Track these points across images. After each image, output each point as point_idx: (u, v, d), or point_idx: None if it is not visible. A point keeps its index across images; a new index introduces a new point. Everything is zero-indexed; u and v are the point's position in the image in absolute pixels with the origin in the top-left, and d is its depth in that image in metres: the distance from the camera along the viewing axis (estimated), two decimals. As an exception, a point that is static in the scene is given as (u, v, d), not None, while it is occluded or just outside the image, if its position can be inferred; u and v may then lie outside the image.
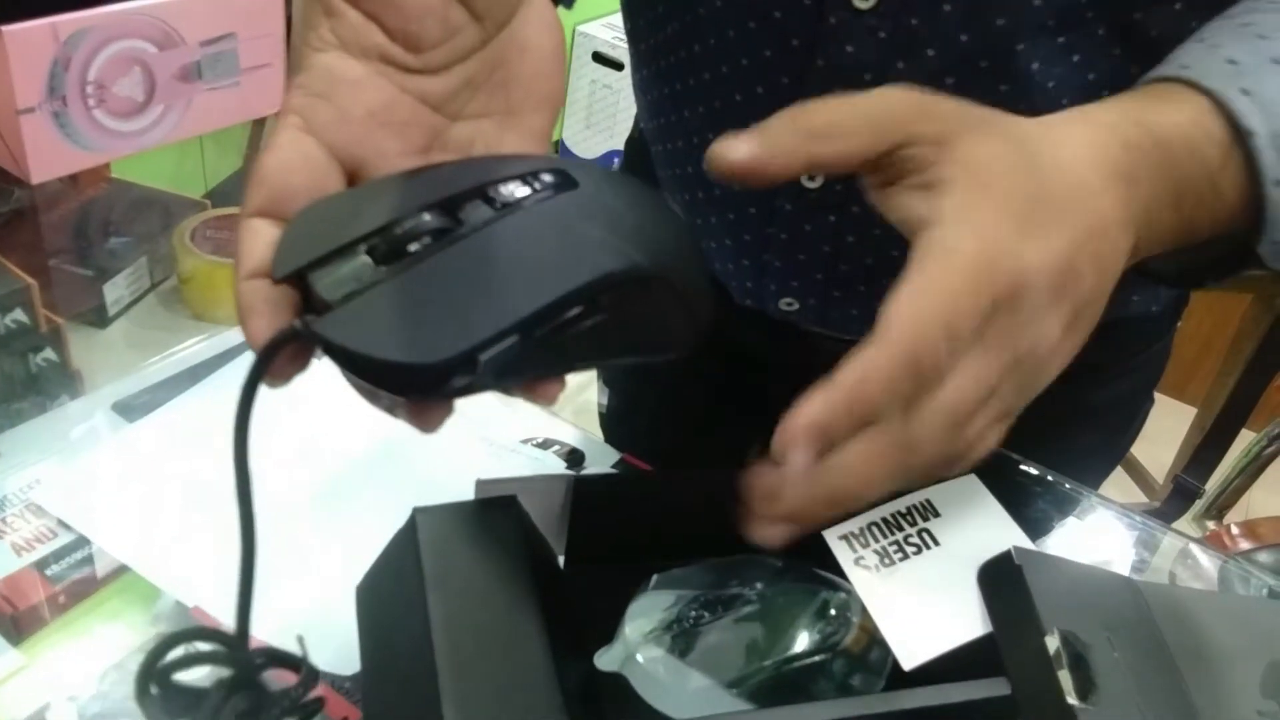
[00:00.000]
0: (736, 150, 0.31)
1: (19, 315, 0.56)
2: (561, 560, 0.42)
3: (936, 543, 0.40)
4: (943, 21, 0.43)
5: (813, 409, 0.30)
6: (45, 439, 0.55)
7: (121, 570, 0.48)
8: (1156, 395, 0.68)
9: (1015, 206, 0.31)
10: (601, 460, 0.60)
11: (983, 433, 0.33)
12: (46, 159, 0.61)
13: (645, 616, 0.39)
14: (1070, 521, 0.55)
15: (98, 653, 0.45)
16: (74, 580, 0.48)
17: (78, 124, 0.61)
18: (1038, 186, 0.32)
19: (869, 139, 0.31)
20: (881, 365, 0.29)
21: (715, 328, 0.61)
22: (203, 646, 0.36)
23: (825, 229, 0.52)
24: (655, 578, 0.41)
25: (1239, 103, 0.34)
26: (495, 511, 0.37)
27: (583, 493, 0.40)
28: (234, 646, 0.31)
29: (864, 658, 0.41)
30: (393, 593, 0.37)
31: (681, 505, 0.43)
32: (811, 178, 0.50)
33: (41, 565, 0.48)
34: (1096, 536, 0.55)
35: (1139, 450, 1.55)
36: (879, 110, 0.32)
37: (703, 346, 0.63)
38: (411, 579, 0.35)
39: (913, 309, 0.29)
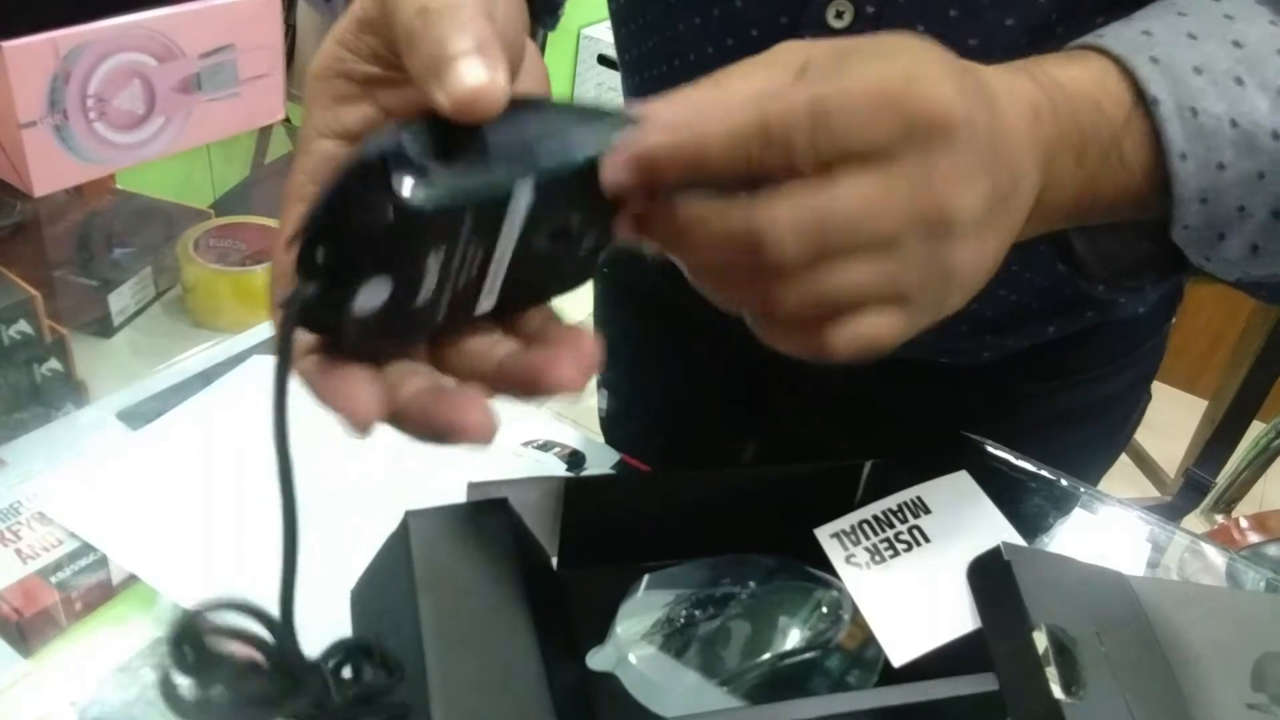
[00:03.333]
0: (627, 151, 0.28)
1: (23, 326, 0.57)
2: (554, 561, 0.42)
3: (927, 539, 0.40)
4: None
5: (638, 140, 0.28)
6: (51, 448, 0.56)
7: (129, 577, 0.49)
8: (1168, 389, 0.68)
9: (945, 64, 0.29)
10: (602, 462, 0.60)
11: (859, 300, 0.29)
12: (49, 172, 0.61)
13: (637, 616, 0.40)
14: (1071, 518, 0.55)
15: (104, 658, 0.45)
16: (81, 587, 0.48)
17: (79, 137, 0.62)
18: (962, 72, 0.30)
19: (769, 72, 0.29)
20: (728, 112, 0.27)
21: (710, 333, 0.61)
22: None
23: None
24: (647, 578, 0.41)
25: (1144, 69, 0.33)
26: (487, 514, 0.38)
27: (574, 494, 0.40)
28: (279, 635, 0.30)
29: (858, 655, 0.41)
30: (385, 596, 0.37)
31: (673, 505, 0.43)
32: None
33: (47, 573, 0.49)
34: (1098, 533, 0.55)
35: (1150, 444, 1.55)
36: (772, 54, 0.30)
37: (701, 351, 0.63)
38: (403, 582, 0.36)
39: (805, 83, 0.28)
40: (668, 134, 0.28)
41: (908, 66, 0.28)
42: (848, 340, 0.29)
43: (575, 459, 0.60)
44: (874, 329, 0.29)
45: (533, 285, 0.31)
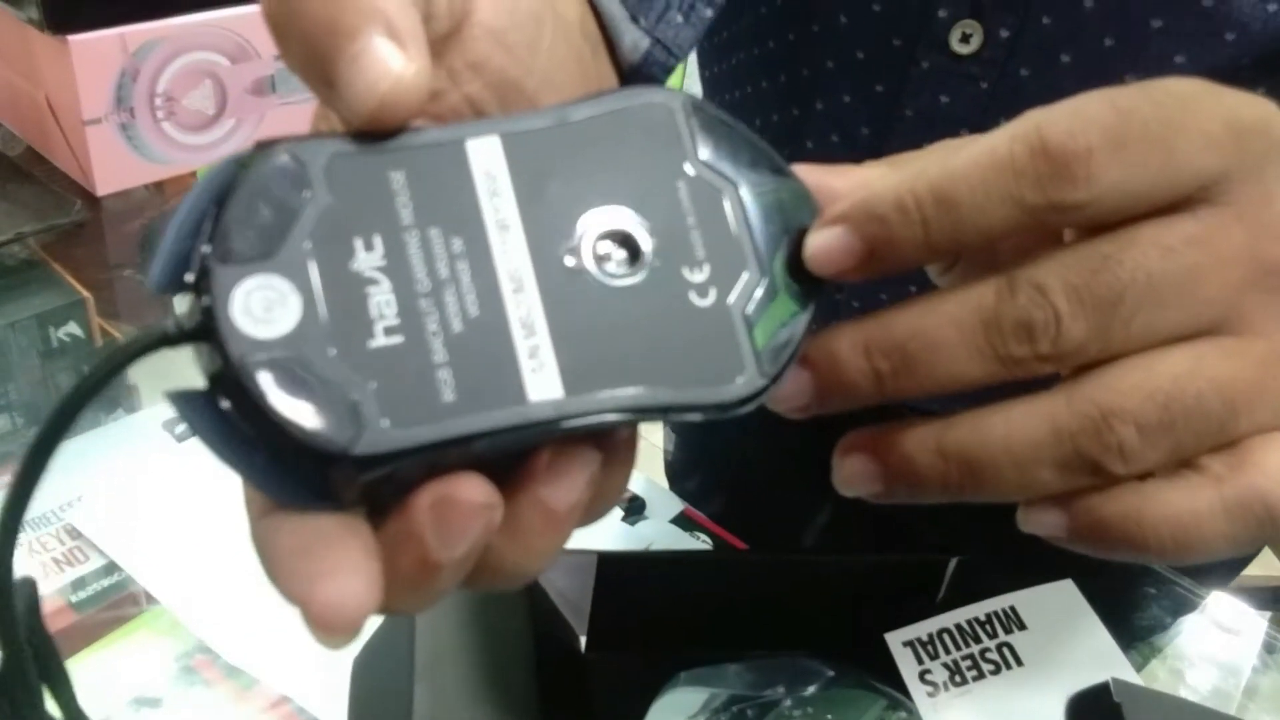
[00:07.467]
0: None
1: (73, 329, 0.55)
2: (583, 641, 0.38)
3: (1020, 662, 0.34)
4: (1061, 76, 0.38)
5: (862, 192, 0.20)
6: (92, 456, 0.54)
7: (153, 600, 0.47)
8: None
9: None
10: (664, 510, 0.56)
11: (1215, 417, 0.19)
12: (113, 171, 0.60)
13: (670, 719, 0.35)
14: (1181, 623, 0.47)
15: (117, 686, 0.43)
16: (101, 608, 0.46)
17: (145, 136, 0.61)
18: None
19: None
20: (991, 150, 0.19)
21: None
22: None
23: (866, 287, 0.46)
24: (684, 675, 0.36)
25: None
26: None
27: (608, 571, 0.36)
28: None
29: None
30: (383, 675, 0.33)
31: (722, 589, 0.38)
32: None
33: (68, 591, 0.47)
34: (1207, 636, 0.48)
35: None
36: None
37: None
38: (402, 664, 0.31)
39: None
40: (894, 172, 0.20)
41: (1199, 83, 0.20)
42: (1241, 498, 0.19)
43: (635, 505, 0.56)
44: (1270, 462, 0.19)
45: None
